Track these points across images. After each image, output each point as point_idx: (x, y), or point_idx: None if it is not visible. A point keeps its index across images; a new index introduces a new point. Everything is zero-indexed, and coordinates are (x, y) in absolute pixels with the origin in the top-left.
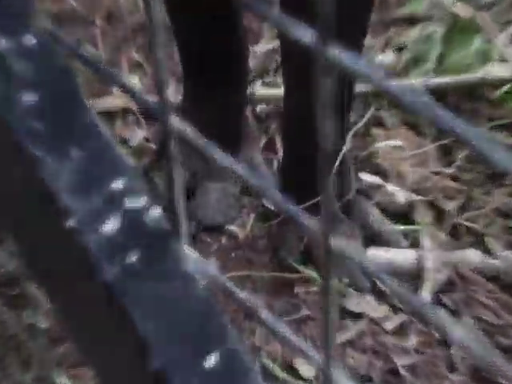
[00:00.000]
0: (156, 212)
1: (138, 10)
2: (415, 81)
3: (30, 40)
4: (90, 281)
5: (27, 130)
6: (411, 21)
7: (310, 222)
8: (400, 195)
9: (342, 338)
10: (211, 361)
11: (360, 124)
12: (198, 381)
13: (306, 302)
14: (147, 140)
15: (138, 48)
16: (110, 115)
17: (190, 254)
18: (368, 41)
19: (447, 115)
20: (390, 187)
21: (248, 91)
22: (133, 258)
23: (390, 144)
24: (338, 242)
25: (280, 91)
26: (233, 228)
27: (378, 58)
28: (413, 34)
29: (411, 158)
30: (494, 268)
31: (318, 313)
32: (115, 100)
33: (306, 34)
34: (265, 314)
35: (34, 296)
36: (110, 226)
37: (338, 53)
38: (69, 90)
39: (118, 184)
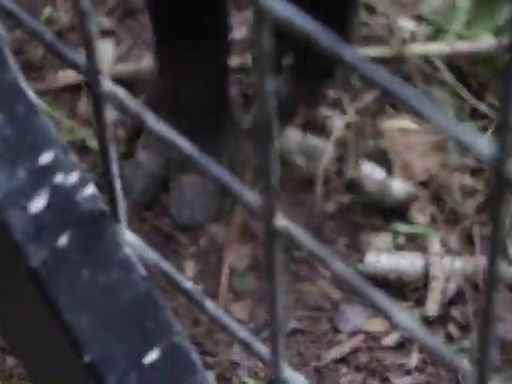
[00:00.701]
0: (90, 190)
1: None
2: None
3: None
4: (15, 265)
5: None
6: None
7: (254, 199)
8: (400, 188)
9: (334, 353)
10: (152, 356)
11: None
12: (136, 377)
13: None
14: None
15: (108, 12)
16: (72, 90)
17: (128, 238)
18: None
19: (387, 76)
20: (395, 182)
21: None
22: (63, 240)
23: (400, 125)
24: (282, 221)
25: None
26: (213, 228)
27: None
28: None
29: (424, 144)
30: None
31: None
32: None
33: None
34: (209, 304)
35: None
36: (38, 203)
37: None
38: None
39: (46, 157)
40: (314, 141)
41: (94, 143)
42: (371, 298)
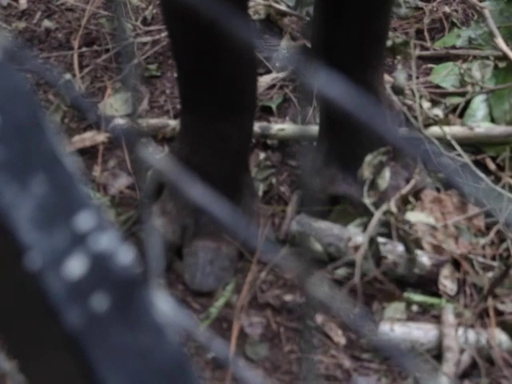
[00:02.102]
0: (124, 253)
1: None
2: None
3: None
4: (49, 328)
5: None
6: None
7: (290, 267)
8: (424, 259)
9: None
10: None
11: (406, 189)
12: None
13: None
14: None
15: (123, 76)
16: (87, 154)
17: (161, 302)
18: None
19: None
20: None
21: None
22: (97, 303)
23: (421, 219)
24: (317, 289)
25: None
26: (226, 294)
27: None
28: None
29: (445, 228)
30: None
31: None
32: (96, 136)
33: None
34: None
35: None
36: (74, 266)
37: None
38: (30, 115)
39: (83, 220)
40: (325, 224)
41: (109, 211)
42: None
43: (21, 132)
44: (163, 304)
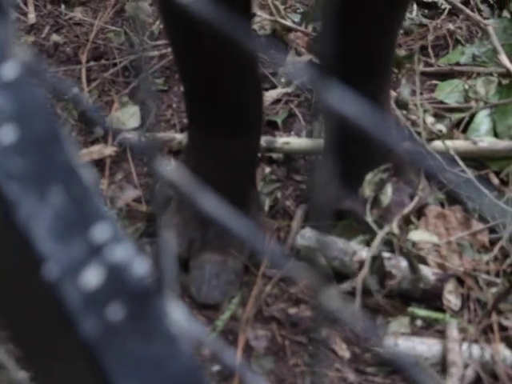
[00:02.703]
0: (139, 264)
1: (129, 45)
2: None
3: (8, 72)
4: (66, 336)
5: (2, 169)
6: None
7: (304, 279)
8: (429, 274)
9: None
10: None
11: (408, 208)
12: None
13: None
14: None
15: (131, 90)
16: (95, 167)
17: (175, 313)
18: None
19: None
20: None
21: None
22: (113, 312)
23: (425, 238)
24: (330, 301)
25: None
26: (232, 307)
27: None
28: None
29: (449, 244)
30: None
31: None
32: (103, 149)
33: None
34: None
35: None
36: (90, 276)
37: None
38: (48, 128)
39: (99, 232)
40: (330, 239)
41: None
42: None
43: (39, 144)
44: (176, 314)
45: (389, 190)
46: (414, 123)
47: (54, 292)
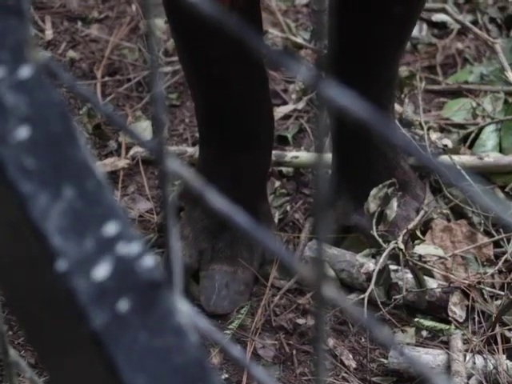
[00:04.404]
0: (149, 260)
1: (143, 62)
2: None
3: (25, 73)
4: (76, 327)
5: (18, 166)
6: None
7: (304, 270)
8: (434, 286)
9: None
10: None
11: (414, 222)
12: None
13: None
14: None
15: (144, 105)
16: (108, 179)
17: (182, 306)
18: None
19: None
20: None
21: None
22: (123, 305)
23: (430, 252)
24: (330, 291)
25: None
26: (241, 317)
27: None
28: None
29: (454, 257)
30: None
31: None
32: (116, 162)
33: None
34: (256, 369)
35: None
36: (101, 270)
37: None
38: (63, 127)
39: (111, 228)
40: (338, 251)
41: None
42: None
43: (55, 142)
44: (184, 307)
45: (394, 204)
46: (420, 139)
47: (65, 284)
